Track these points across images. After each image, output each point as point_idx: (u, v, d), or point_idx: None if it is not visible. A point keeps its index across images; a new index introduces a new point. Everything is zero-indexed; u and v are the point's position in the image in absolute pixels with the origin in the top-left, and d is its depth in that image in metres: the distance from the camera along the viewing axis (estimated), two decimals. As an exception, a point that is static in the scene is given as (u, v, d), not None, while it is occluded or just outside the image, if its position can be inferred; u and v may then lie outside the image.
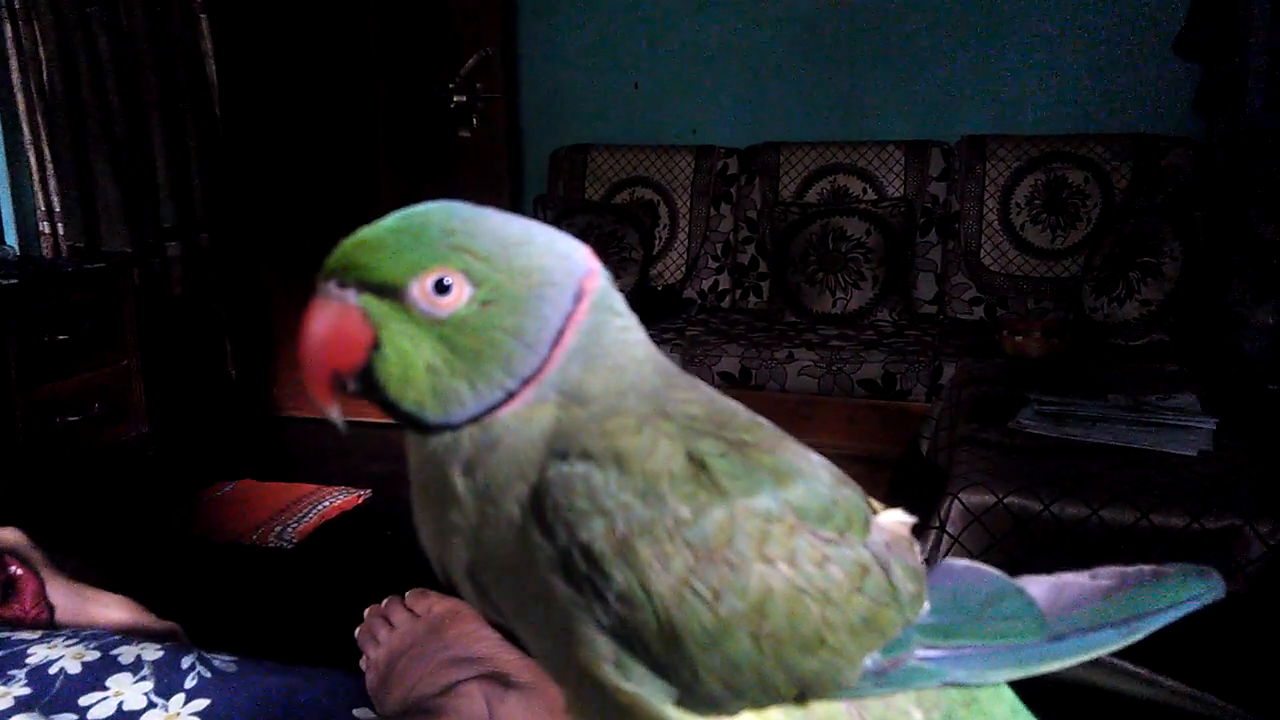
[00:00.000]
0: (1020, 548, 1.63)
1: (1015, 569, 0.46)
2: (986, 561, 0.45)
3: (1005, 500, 1.65)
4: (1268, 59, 2.68)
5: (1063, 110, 3.27)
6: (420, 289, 0.40)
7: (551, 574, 0.39)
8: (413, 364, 0.40)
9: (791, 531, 0.39)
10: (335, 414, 0.42)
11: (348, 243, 0.42)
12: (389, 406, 0.41)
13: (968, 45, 3.34)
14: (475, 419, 0.41)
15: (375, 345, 0.40)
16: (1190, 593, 0.44)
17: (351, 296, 0.41)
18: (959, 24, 3.34)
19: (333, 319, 0.41)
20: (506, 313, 0.40)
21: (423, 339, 0.40)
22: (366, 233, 0.41)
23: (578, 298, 0.42)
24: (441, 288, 0.40)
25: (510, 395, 0.40)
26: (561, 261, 0.42)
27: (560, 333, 0.41)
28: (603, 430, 0.39)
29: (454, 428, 0.41)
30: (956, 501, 1.67)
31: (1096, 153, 3.11)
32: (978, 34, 3.33)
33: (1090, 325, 2.83)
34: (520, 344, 0.40)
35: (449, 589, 0.44)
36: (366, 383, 0.41)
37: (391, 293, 0.40)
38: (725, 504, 0.38)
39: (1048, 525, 1.63)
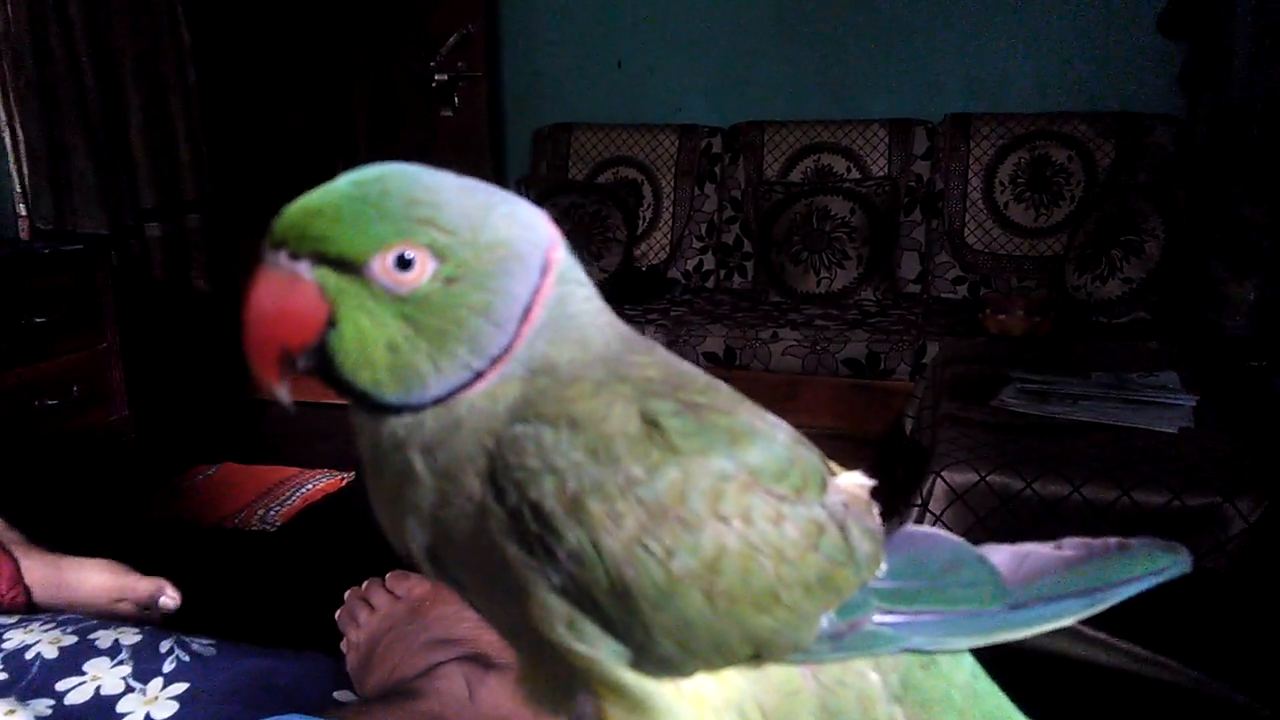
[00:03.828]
0: (1003, 525, 1.64)
1: (996, 546, 0.45)
2: (969, 540, 0.45)
3: (988, 478, 1.65)
4: (1251, 37, 2.68)
5: (1047, 88, 3.27)
6: (382, 265, 0.38)
7: (503, 536, 0.38)
8: (372, 343, 0.38)
9: (746, 489, 0.38)
10: (284, 395, 0.40)
11: (298, 209, 0.39)
12: (341, 385, 0.39)
13: (952, 23, 3.33)
14: (439, 400, 0.39)
15: (331, 322, 0.38)
16: (1155, 566, 0.43)
17: (305, 270, 0.38)
18: (943, 1, 3.33)
19: (285, 293, 0.38)
20: (472, 289, 0.38)
21: (384, 316, 0.38)
22: (320, 199, 0.39)
23: (543, 270, 0.40)
24: (404, 263, 0.38)
25: (477, 375, 0.39)
26: (526, 233, 0.40)
27: (528, 309, 0.39)
28: (560, 396, 0.38)
29: (415, 409, 0.39)
30: (939, 480, 1.67)
31: (1080, 131, 3.11)
32: (962, 12, 3.32)
33: (1073, 304, 2.84)
34: (487, 322, 0.39)
35: (411, 567, 0.43)
36: (318, 359, 0.39)
37: (350, 267, 0.38)
38: (678, 462, 0.37)
39: (1030, 503, 1.63)
